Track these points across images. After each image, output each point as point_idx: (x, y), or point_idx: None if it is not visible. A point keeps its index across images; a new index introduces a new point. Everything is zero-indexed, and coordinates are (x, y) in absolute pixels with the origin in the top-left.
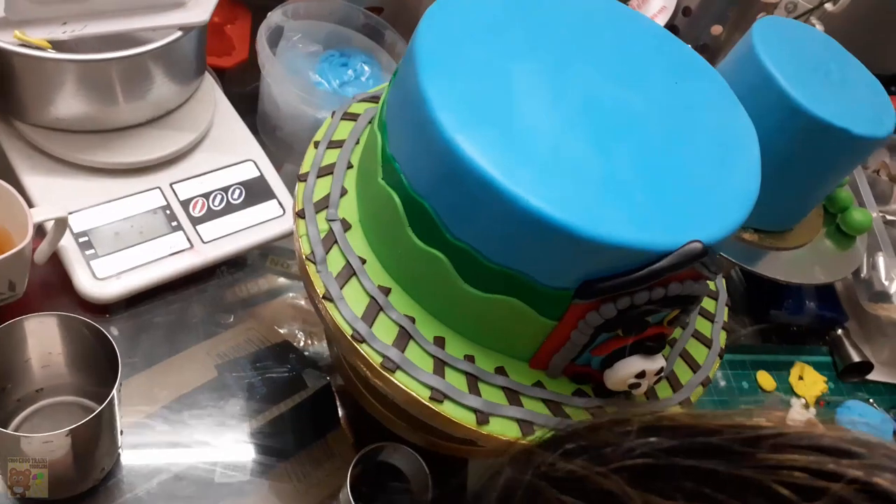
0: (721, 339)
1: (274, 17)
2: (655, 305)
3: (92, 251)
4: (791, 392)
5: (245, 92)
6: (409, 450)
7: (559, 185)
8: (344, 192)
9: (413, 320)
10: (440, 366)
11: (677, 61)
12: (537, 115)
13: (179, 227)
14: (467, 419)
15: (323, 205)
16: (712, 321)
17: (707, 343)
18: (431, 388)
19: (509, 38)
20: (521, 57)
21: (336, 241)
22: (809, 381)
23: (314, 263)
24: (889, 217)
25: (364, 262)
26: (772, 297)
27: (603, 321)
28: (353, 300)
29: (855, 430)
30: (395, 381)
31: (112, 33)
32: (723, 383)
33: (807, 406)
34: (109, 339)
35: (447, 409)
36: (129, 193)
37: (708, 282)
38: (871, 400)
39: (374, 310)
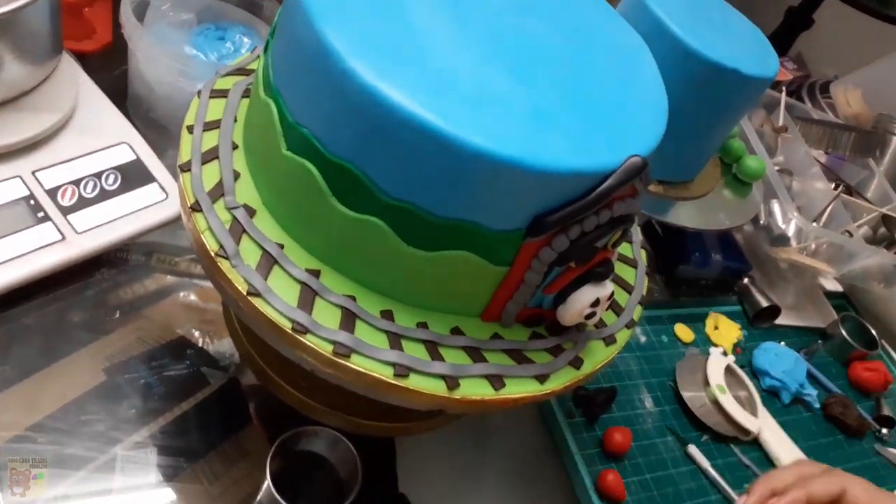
0: (643, 285)
1: None
2: (603, 229)
3: None
4: (708, 342)
5: (112, 76)
6: (334, 432)
7: (494, 121)
8: (237, 176)
9: (354, 298)
10: (396, 339)
11: None
12: (449, 51)
13: (47, 218)
14: (437, 388)
15: (217, 193)
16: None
17: (628, 289)
18: (394, 365)
19: None
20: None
21: (245, 230)
22: (725, 330)
23: (227, 259)
24: (778, 168)
25: (282, 247)
26: (678, 252)
27: (556, 255)
28: (283, 290)
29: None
30: (352, 366)
31: None
32: (643, 339)
33: (725, 353)
34: None
35: (414, 382)
36: None
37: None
38: (782, 343)
39: (310, 296)
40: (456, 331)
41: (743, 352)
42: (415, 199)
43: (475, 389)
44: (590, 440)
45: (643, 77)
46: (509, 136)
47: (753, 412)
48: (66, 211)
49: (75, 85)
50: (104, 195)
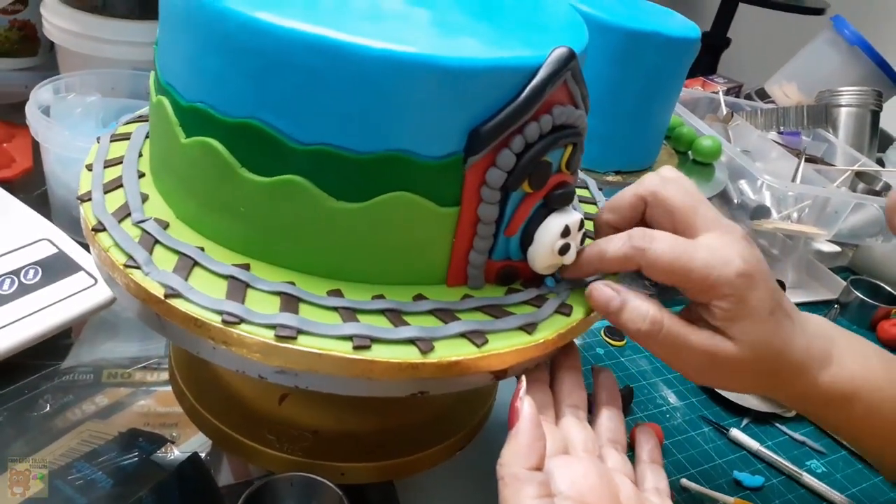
0: None
1: (42, 93)
2: (548, 139)
3: None
4: None
5: (33, 197)
6: (309, 475)
7: (396, 31)
8: (145, 198)
9: (293, 283)
10: (349, 313)
11: None
12: None
13: None
14: (408, 354)
15: (123, 213)
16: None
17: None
18: (351, 337)
19: None
20: None
21: (157, 240)
22: None
23: (138, 268)
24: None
25: (202, 249)
26: None
27: (505, 175)
28: (207, 288)
29: None
30: (303, 348)
31: None
32: None
33: None
34: None
35: (380, 353)
36: None
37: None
38: None
39: (240, 288)
40: (419, 297)
41: None
42: (330, 138)
43: (453, 350)
44: None
45: (556, 9)
46: (415, 40)
47: None
48: None
49: None
50: (24, 290)
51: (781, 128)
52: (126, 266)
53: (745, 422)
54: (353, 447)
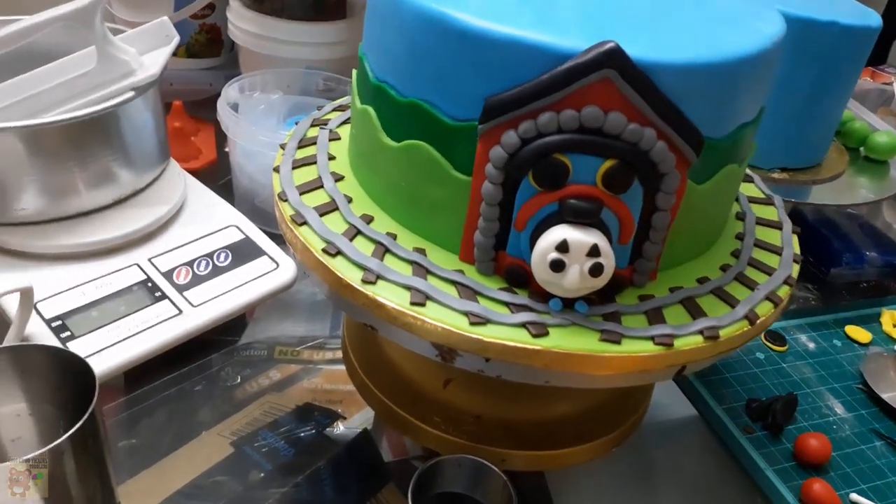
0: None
1: (231, 92)
2: (566, 137)
3: (67, 333)
4: (890, 340)
5: (217, 186)
6: (479, 459)
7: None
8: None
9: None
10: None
11: None
12: None
13: (164, 297)
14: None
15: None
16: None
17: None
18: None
19: None
20: None
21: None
22: None
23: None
24: None
25: (368, 220)
26: (828, 257)
27: (507, 156)
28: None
29: None
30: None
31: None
32: (812, 345)
33: None
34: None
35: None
36: (104, 273)
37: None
38: None
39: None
40: (419, 250)
41: None
42: (388, 77)
43: (392, 296)
44: (779, 454)
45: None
46: (473, 7)
47: None
48: (181, 289)
49: (182, 183)
50: (216, 271)
51: None
52: (324, 252)
53: None
54: (513, 435)
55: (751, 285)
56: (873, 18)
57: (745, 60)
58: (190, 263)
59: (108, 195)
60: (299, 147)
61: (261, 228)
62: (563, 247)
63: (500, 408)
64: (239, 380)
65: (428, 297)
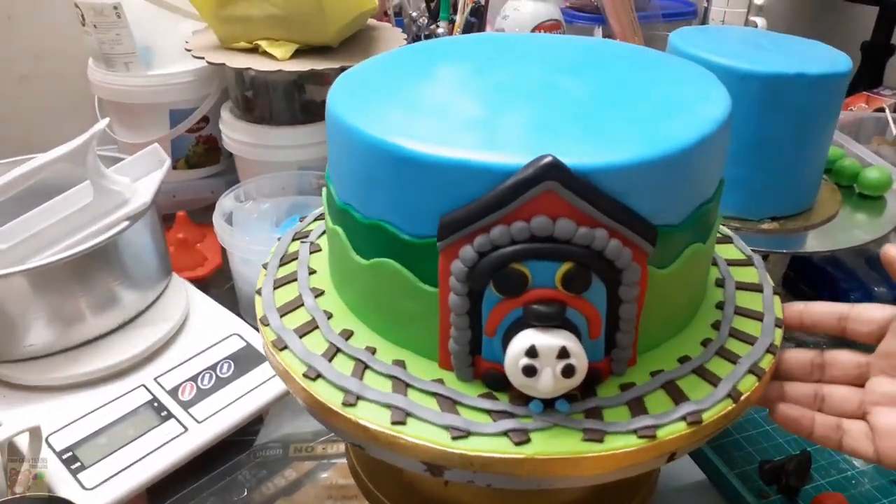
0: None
1: (226, 202)
2: (520, 247)
3: (77, 464)
4: None
5: (223, 291)
6: None
7: (417, 124)
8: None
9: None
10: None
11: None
12: (439, 94)
13: (170, 416)
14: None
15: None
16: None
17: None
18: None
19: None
20: (443, 71)
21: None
22: None
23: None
24: None
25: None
26: (835, 296)
27: (467, 269)
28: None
29: None
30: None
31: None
32: None
33: None
34: None
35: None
36: (112, 398)
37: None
38: None
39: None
40: (398, 363)
41: None
42: (352, 199)
43: (374, 418)
44: None
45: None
46: (414, 132)
47: None
48: (186, 405)
49: (185, 298)
50: (220, 384)
51: None
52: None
53: None
54: None
55: (732, 359)
56: (842, 63)
57: (688, 150)
58: (194, 378)
59: (113, 320)
60: (281, 264)
61: None
62: (531, 352)
63: (505, 502)
64: (254, 483)
65: (408, 414)
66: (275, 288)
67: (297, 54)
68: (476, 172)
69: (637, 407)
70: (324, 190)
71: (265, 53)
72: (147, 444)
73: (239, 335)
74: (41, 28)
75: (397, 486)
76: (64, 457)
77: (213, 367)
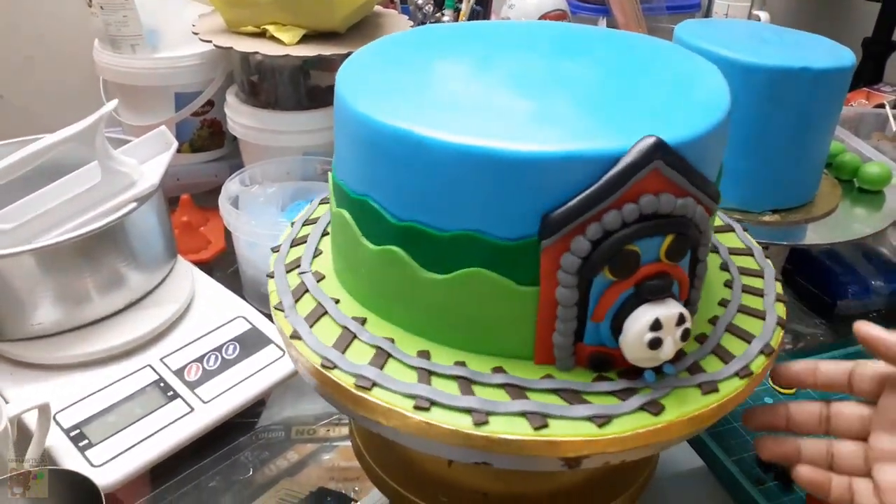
0: (779, 310)
1: (231, 186)
2: (633, 228)
3: (85, 442)
4: None
5: (227, 274)
6: None
7: (481, 123)
8: (318, 253)
9: (392, 340)
10: (425, 375)
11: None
12: (457, 85)
13: (176, 396)
14: (461, 423)
15: (294, 265)
16: (762, 296)
17: (760, 315)
18: (414, 397)
19: (435, 51)
20: (448, 56)
21: (308, 290)
22: None
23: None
24: None
25: (337, 301)
26: (833, 289)
27: (580, 260)
28: (324, 333)
29: None
30: (373, 399)
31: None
32: None
33: None
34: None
35: (437, 417)
36: (119, 377)
37: (707, 214)
38: None
39: (348, 337)
40: (498, 370)
41: None
42: (419, 216)
43: (509, 427)
44: None
45: (698, 87)
46: (491, 131)
47: None
48: (192, 386)
49: (190, 280)
50: (225, 365)
51: None
52: (275, 308)
53: None
54: None
55: (761, 315)
56: (846, 58)
57: (724, 119)
58: (200, 359)
59: (119, 300)
60: (293, 245)
61: (268, 316)
62: (656, 325)
63: (507, 484)
64: (257, 464)
65: (546, 416)
66: (287, 272)
67: (304, 39)
68: (582, 163)
69: (723, 353)
70: (362, 205)
71: (272, 38)
72: (154, 422)
73: (244, 318)
74: (47, 9)
75: (399, 464)
76: (72, 434)
77: (218, 349)
